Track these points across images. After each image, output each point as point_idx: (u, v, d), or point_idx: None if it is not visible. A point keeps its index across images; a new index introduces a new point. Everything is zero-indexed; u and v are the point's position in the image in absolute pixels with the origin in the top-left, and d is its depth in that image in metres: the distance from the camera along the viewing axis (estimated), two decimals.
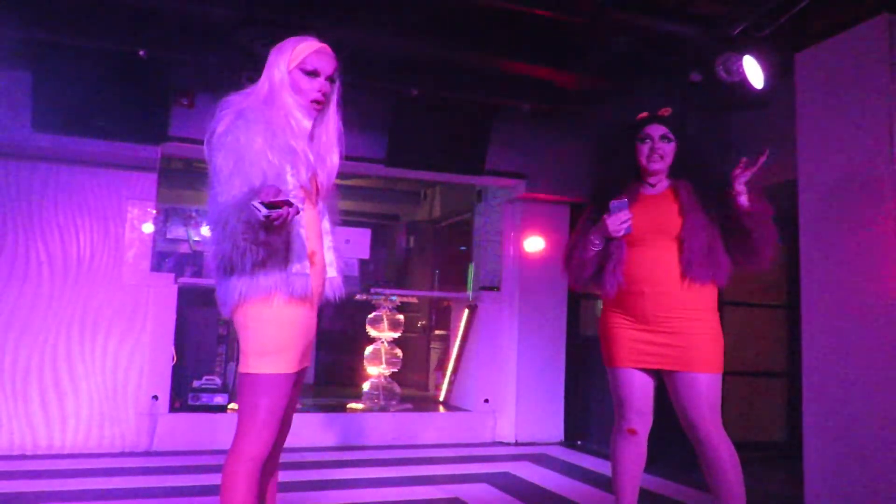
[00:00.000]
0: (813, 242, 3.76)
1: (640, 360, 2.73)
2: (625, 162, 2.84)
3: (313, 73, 2.12)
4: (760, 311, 5.78)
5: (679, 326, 2.67)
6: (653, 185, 2.82)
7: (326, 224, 2.26)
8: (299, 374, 2.23)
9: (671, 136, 2.76)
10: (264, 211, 1.76)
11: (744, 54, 3.96)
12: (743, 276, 2.96)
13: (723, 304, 5.54)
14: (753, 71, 3.97)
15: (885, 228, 3.37)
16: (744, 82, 4.01)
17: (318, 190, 2.22)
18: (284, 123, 2.08)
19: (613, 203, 2.65)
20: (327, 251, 2.24)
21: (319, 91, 2.13)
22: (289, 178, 2.04)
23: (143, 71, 4.55)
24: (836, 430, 3.51)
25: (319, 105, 2.15)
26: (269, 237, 1.89)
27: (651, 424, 2.79)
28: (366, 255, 5.88)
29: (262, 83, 2.14)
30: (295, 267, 2.03)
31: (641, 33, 4.27)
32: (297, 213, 1.83)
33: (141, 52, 4.38)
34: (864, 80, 3.52)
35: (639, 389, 2.75)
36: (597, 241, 2.73)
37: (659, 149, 2.76)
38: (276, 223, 1.79)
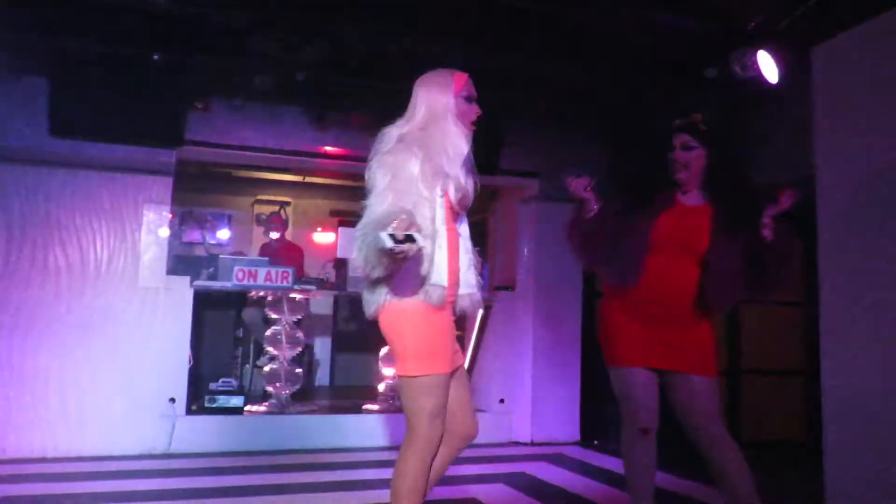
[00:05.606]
0: (831, 241, 3.71)
1: (647, 360, 2.73)
2: (659, 170, 2.81)
3: (470, 99, 2.41)
4: (778, 308, 5.73)
5: (684, 332, 2.71)
6: (684, 193, 2.78)
7: (468, 243, 2.43)
8: (458, 367, 2.40)
9: (692, 143, 2.72)
10: (390, 244, 1.93)
11: (758, 49, 3.92)
12: None
13: (740, 302, 5.54)
14: (768, 66, 3.93)
15: None
16: (758, 77, 3.97)
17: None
18: (441, 148, 2.28)
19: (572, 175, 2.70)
20: (467, 269, 2.40)
21: (476, 115, 2.42)
22: (438, 201, 2.23)
23: (158, 76, 4.58)
24: (856, 426, 3.47)
25: (474, 127, 2.41)
26: (391, 264, 2.06)
27: (658, 422, 2.79)
28: None
29: (418, 110, 2.37)
30: (433, 279, 2.22)
31: (655, 29, 4.24)
32: (419, 251, 2.02)
33: (155, 56, 4.40)
34: (882, 74, 3.47)
35: (647, 388, 2.75)
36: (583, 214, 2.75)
37: (680, 158, 2.73)
38: (398, 256, 2.00)
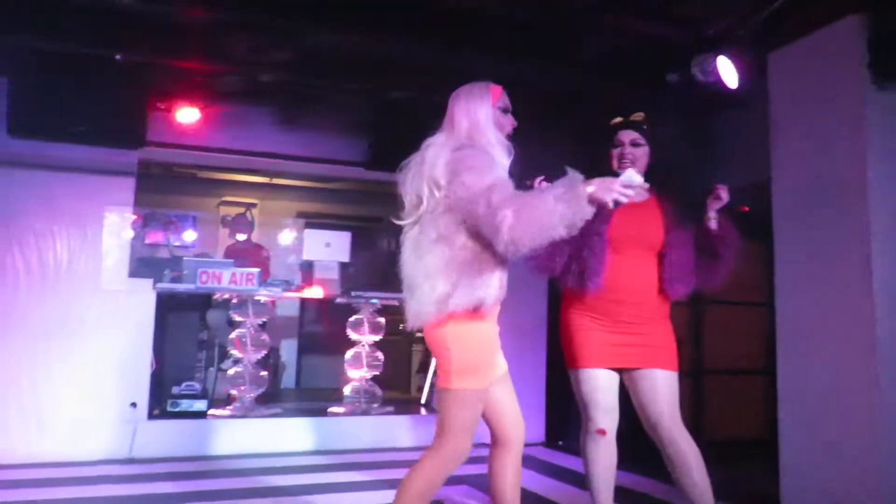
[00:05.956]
0: (785, 243, 3.80)
1: (608, 361, 2.78)
2: (601, 167, 2.87)
3: (506, 110, 2.41)
4: (741, 308, 5.83)
5: (646, 329, 2.76)
6: None
7: None
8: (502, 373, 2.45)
9: (641, 141, 2.82)
10: (639, 179, 2.15)
11: (718, 55, 3.99)
12: None
13: (704, 303, 5.63)
14: (727, 71, 4.00)
15: (856, 230, 3.40)
16: (718, 83, 4.04)
17: None
18: (495, 160, 2.27)
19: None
20: None
21: (512, 126, 2.42)
22: None
23: (120, 76, 4.52)
24: (809, 423, 3.56)
25: (510, 139, 2.40)
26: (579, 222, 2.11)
27: (618, 423, 2.83)
28: (346, 258, 5.87)
29: (459, 123, 2.33)
30: (502, 282, 2.26)
31: (619, 35, 4.30)
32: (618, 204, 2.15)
33: (117, 56, 4.34)
34: (834, 81, 3.56)
35: (607, 389, 2.80)
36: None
37: (629, 154, 2.81)
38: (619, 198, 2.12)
